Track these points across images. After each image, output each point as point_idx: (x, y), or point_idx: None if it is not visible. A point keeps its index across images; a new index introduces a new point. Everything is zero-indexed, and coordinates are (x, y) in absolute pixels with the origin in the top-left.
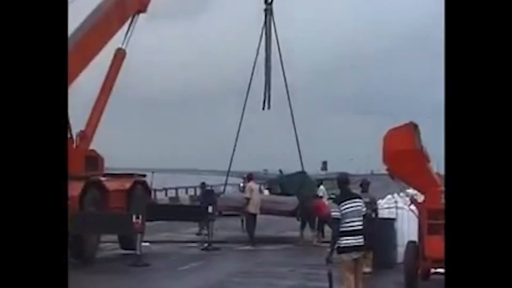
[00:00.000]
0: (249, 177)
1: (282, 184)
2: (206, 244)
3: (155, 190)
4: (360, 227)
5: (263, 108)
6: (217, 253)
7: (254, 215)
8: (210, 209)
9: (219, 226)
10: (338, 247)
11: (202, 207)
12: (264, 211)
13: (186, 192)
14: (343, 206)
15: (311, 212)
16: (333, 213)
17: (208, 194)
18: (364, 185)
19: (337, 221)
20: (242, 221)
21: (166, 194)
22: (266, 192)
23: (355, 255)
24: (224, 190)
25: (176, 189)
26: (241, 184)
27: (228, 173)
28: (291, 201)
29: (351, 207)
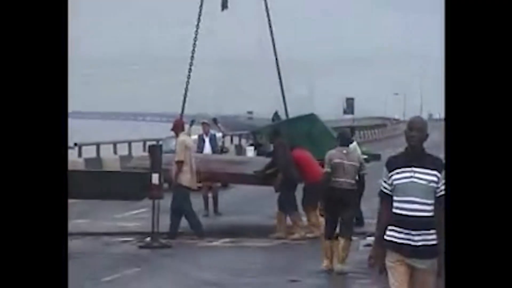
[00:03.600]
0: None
1: (274, 135)
2: (148, 238)
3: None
4: (427, 214)
5: (222, 9)
6: (166, 253)
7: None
8: (155, 178)
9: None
10: (386, 240)
11: (141, 176)
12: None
13: (115, 150)
14: (396, 175)
15: (292, 173)
16: (382, 186)
17: (152, 154)
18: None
19: (388, 198)
20: (204, 198)
21: (80, 154)
22: (250, 150)
23: (416, 261)
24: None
25: (98, 145)
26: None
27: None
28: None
29: (415, 177)
